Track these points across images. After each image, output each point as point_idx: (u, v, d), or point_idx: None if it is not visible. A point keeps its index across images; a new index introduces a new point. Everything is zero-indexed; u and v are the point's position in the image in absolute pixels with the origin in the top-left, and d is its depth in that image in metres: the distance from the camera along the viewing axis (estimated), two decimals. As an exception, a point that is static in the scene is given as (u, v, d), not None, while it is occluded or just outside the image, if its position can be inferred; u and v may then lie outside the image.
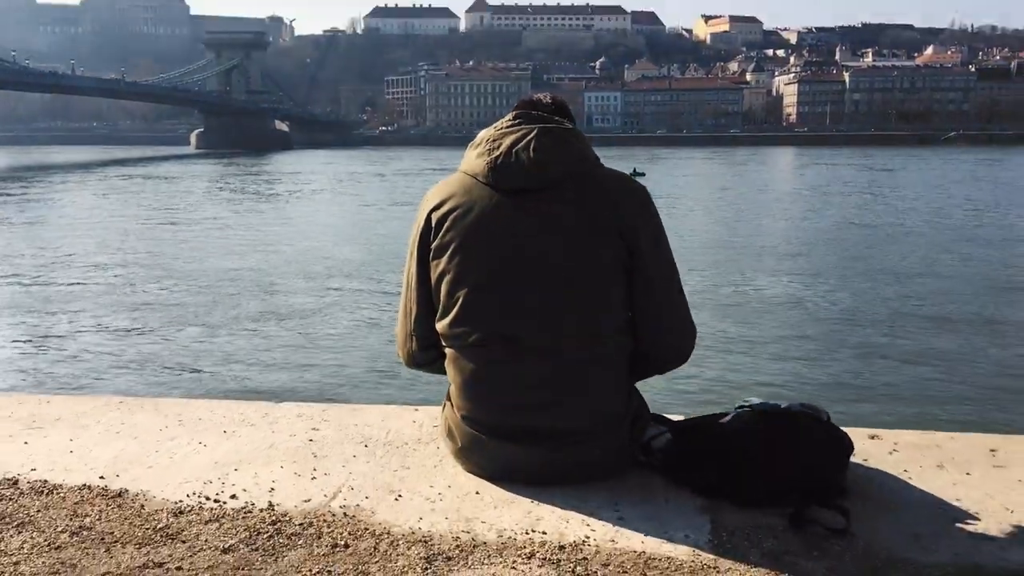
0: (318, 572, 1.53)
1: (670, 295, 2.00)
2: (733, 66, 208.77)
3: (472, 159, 1.98)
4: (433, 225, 1.95)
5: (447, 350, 1.98)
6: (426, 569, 1.54)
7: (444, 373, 2.06)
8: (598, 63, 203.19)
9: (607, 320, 1.94)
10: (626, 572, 1.54)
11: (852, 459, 2.02)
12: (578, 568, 1.55)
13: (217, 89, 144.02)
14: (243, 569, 1.54)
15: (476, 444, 1.96)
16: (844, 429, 2.05)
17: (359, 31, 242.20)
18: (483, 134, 2.01)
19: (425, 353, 2.06)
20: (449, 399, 2.04)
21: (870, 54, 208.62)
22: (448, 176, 2.06)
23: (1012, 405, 8.91)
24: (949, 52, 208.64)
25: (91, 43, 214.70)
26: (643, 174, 56.18)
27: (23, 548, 1.62)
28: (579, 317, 1.91)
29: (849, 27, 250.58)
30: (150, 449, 2.14)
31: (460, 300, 1.91)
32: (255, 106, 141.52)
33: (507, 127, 1.98)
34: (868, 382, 9.98)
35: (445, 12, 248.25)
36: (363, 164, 76.42)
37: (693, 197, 40.82)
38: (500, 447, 1.92)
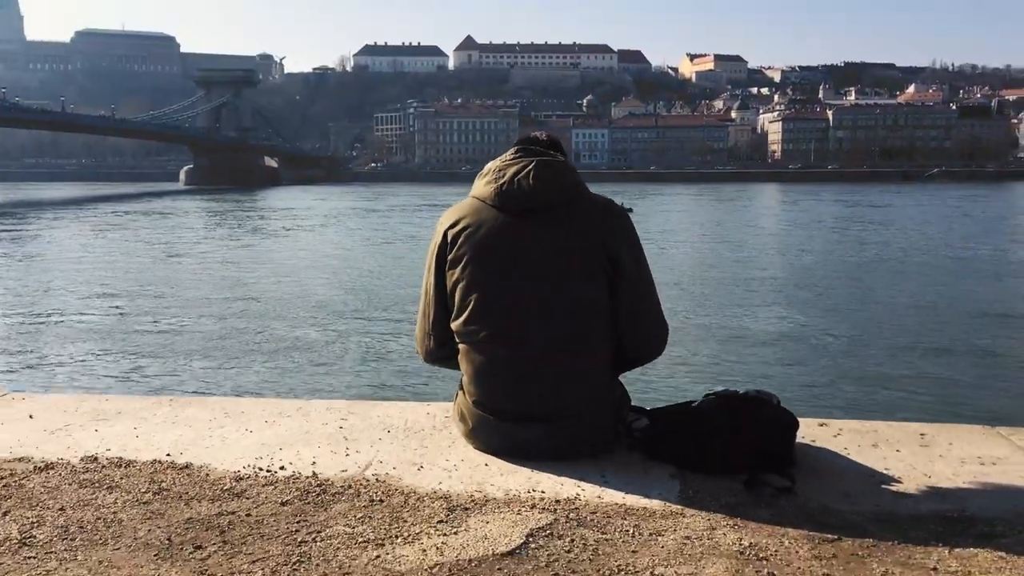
0: (361, 517, 1.89)
1: (647, 300, 2.38)
2: (718, 104, 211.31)
3: (481, 186, 2.37)
4: (449, 241, 2.34)
5: (460, 345, 2.35)
6: (448, 515, 1.91)
7: (456, 367, 2.43)
8: (585, 100, 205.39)
9: (594, 321, 2.32)
10: (610, 518, 1.91)
11: (802, 441, 2.40)
12: (571, 514, 1.92)
13: (207, 126, 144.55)
14: (300, 516, 1.90)
15: (485, 425, 2.33)
16: (800, 419, 2.43)
17: (348, 69, 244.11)
18: (490, 165, 2.41)
19: (440, 349, 2.43)
20: (461, 388, 2.41)
21: (853, 92, 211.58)
22: (453, 204, 2.45)
23: (951, 400, 9.75)
24: (930, 90, 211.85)
25: (82, 80, 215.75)
26: (631, 209, 56.62)
27: (116, 503, 1.97)
28: (571, 319, 2.29)
29: (832, 66, 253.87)
30: (204, 435, 2.50)
31: (472, 303, 2.29)
32: (245, 143, 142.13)
33: (511, 159, 2.38)
34: (829, 384, 11.30)
35: (434, 50, 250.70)
36: (356, 200, 76.99)
37: (688, 233, 41.30)
38: (505, 427, 2.30)
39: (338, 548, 1.73)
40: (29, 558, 1.68)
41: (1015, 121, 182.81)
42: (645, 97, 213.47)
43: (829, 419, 2.70)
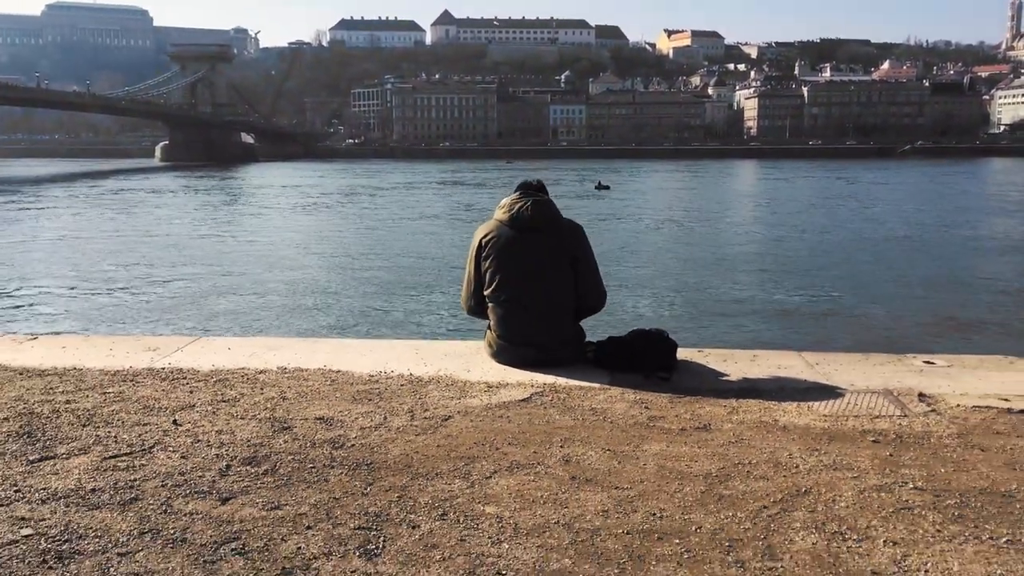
0: (444, 390, 3.69)
1: (592, 280, 4.21)
2: (695, 80, 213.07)
3: (500, 214, 4.17)
4: (482, 244, 4.13)
5: (489, 304, 4.16)
6: (489, 389, 3.71)
7: (484, 317, 4.25)
8: (563, 76, 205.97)
9: (564, 291, 4.13)
10: (572, 390, 3.72)
11: (684, 359, 4.22)
12: (552, 388, 3.73)
13: (183, 102, 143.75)
14: (412, 390, 3.68)
15: (503, 349, 4.13)
16: (686, 348, 4.27)
17: (324, 43, 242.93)
18: (504, 201, 4.21)
19: (477, 306, 4.24)
20: (489, 328, 4.22)
21: (828, 69, 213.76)
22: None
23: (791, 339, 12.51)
24: (904, 67, 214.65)
25: (54, 54, 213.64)
26: (608, 187, 58.29)
27: (312, 384, 3.75)
28: (551, 290, 4.10)
29: (808, 42, 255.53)
30: (339, 357, 4.27)
31: (496, 280, 4.09)
32: (221, 118, 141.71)
33: (516, 199, 4.18)
34: (713, 326, 14.30)
35: (411, 25, 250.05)
36: (353, 178, 78.27)
37: (668, 212, 43.04)
38: (516, 350, 4.10)
39: (438, 400, 3.54)
40: (291, 405, 3.46)
41: (987, 98, 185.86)
42: (622, 73, 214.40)
43: (704, 348, 4.53)
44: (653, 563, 2.11)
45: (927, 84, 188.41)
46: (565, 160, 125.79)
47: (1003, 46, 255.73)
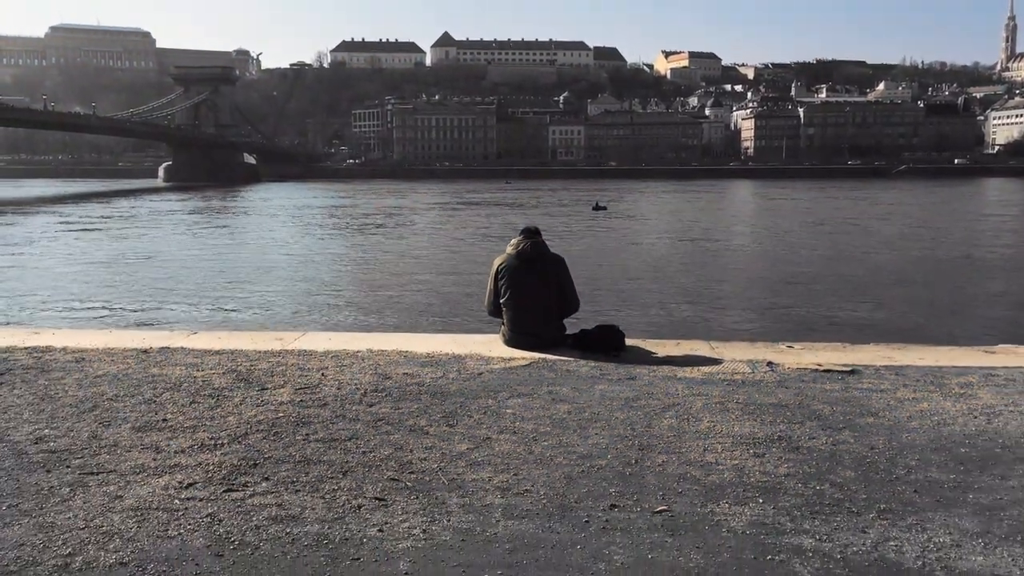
0: (477, 360, 5.91)
1: (572, 293, 6.48)
2: (693, 100, 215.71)
3: (510, 249, 6.43)
4: (498, 270, 6.39)
5: (503, 308, 6.41)
6: (504, 360, 5.94)
7: (500, 317, 6.49)
8: (561, 97, 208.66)
9: (551, 300, 6.39)
10: (556, 362, 5.95)
11: (632, 344, 6.44)
12: (543, 360, 5.96)
13: (186, 123, 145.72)
14: (455, 362, 5.91)
15: (512, 337, 6.38)
16: (632, 338, 6.51)
17: (326, 65, 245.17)
18: (513, 241, 6.49)
19: (495, 310, 6.51)
20: (503, 324, 6.47)
21: (824, 90, 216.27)
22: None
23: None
24: (899, 88, 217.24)
25: (57, 76, 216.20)
26: (605, 207, 60.54)
27: (392, 357, 5.97)
28: (543, 300, 6.35)
29: (804, 63, 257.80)
30: (404, 344, 6.48)
31: (508, 293, 6.34)
32: (224, 139, 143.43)
33: (520, 239, 6.43)
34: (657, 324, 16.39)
35: (411, 46, 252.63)
36: (377, 197, 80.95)
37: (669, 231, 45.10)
38: (520, 338, 6.35)
39: (472, 366, 5.77)
40: (385, 367, 5.66)
41: (981, 118, 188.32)
42: (620, 94, 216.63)
43: (647, 339, 6.76)
44: (589, 429, 4.34)
45: (922, 105, 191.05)
46: (563, 180, 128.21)
47: (998, 67, 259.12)
